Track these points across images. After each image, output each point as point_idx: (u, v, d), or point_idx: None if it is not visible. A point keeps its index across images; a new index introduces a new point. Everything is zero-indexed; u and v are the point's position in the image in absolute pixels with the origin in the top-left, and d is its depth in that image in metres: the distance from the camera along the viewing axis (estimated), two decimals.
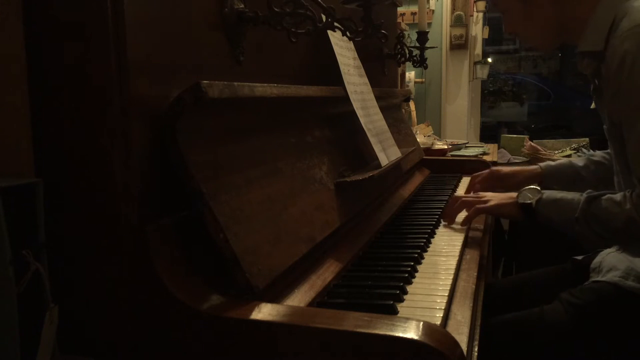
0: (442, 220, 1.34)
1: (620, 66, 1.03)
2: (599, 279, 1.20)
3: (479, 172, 1.59)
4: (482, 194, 1.33)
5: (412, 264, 0.99)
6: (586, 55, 1.19)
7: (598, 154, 1.50)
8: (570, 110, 8.48)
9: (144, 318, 0.68)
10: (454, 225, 1.30)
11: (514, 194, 1.26)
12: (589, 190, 1.14)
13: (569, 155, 2.69)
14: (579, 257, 1.37)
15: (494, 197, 1.29)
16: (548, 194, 1.20)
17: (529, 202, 1.20)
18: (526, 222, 1.23)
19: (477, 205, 1.26)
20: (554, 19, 1.20)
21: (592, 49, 1.14)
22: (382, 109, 1.49)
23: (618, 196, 1.08)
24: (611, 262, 1.21)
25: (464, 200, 1.31)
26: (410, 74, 3.99)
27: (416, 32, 1.95)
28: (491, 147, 3.14)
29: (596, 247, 1.14)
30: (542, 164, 1.56)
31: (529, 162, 2.66)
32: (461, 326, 0.79)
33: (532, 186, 1.26)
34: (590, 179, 1.46)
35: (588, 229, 1.10)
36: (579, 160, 1.52)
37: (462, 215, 1.31)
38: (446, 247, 1.14)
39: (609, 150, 1.49)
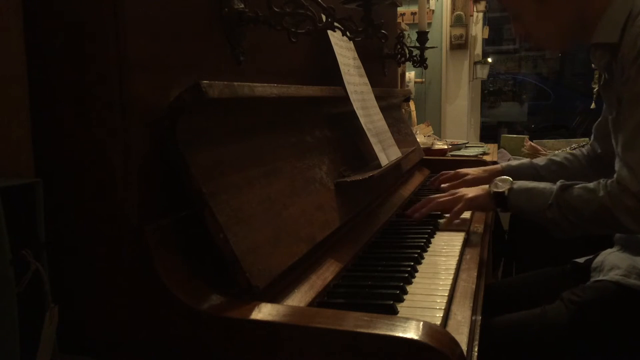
0: (409, 216, 1.34)
1: (638, 54, 1.04)
2: (600, 278, 1.20)
3: (446, 171, 1.62)
4: (454, 190, 1.35)
5: (412, 264, 0.99)
6: (599, 47, 1.18)
7: (560, 155, 1.52)
8: (570, 110, 8.49)
9: (144, 318, 0.68)
10: (452, 224, 1.30)
11: (486, 186, 1.28)
12: (562, 180, 1.16)
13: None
14: (581, 260, 1.37)
15: (467, 191, 1.31)
16: (520, 183, 1.23)
17: (501, 190, 1.23)
18: (499, 210, 1.25)
19: (454, 209, 1.28)
20: (570, 17, 1.18)
21: (607, 40, 1.13)
22: (382, 109, 1.49)
23: (592, 184, 1.10)
24: (613, 262, 1.21)
25: (438, 202, 1.32)
26: (410, 74, 3.99)
27: (416, 32, 1.95)
28: (491, 147, 3.13)
29: (569, 235, 1.15)
30: (503, 164, 1.59)
31: None
32: (461, 326, 0.79)
33: (504, 177, 1.28)
34: (549, 179, 1.47)
35: (560, 215, 1.12)
36: (540, 160, 1.54)
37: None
38: (446, 247, 1.14)
39: (573, 151, 1.51)
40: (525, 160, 1.61)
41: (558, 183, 1.15)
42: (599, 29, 1.14)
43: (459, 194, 1.31)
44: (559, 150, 2.90)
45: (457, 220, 1.29)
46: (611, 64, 1.16)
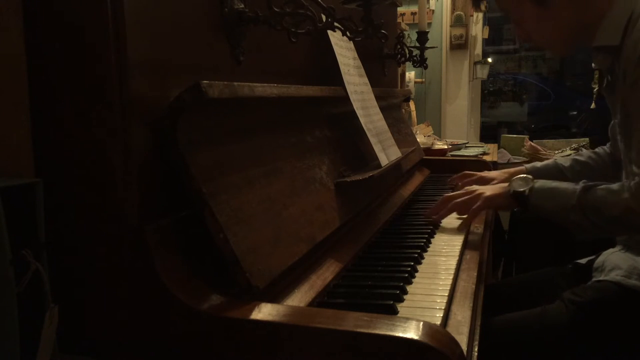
0: (428, 217, 1.32)
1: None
2: (601, 278, 1.19)
3: (470, 172, 1.60)
4: (471, 188, 1.32)
5: (412, 264, 0.99)
6: (601, 50, 1.18)
7: (585, 154, 1.51)
8: (570, 110, 8.48)
9: (144, 318, 0.68)
10: (452, 224, 1.30)
11: (505, 184, 1.25)
12: (584, 180, 1.14)
13: (568, 155, 2.70)
14: (583, 261, 1.36)
15: (485, 189, 1.28)
16: (541, 182, 1.20)
17: (521, 190, 1.19)
18: (520, 211, 1.22)
19: (473, 208, 1.25)
20: (571, 21, 1.18)
21: (609, 43, 1.13)
22: (382, 109, 1.49)
23: (615, 185, 1.08)
24: (614, 262, 1.21)
25: (457, 202, 1.28)
26: (410, 74, 3.99)
27: (416, 32, 1.95)
28: (491, 147, 3.14)
29: (590, 237, 1.13)
30: (527, 165, 1.57)
31: (528, 162, 2.66)
32: (461, 326, 0.79)
33: (523, 175, 1.25)
34: (575, 180, 1.46)
35: (584, 217, 1.10)
36: (564, 161, 1.52)
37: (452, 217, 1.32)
38: (446, 247, 1.14)
39: (597, 150, 1.50)
40: (550, 161, 1.59)
41: (581, 183, 1.12)
42: (601, 31, 1.14)
43: (477, 192, 1.27)
44: (559, 150, 2.90)
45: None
46: (614, 67, 1.16)
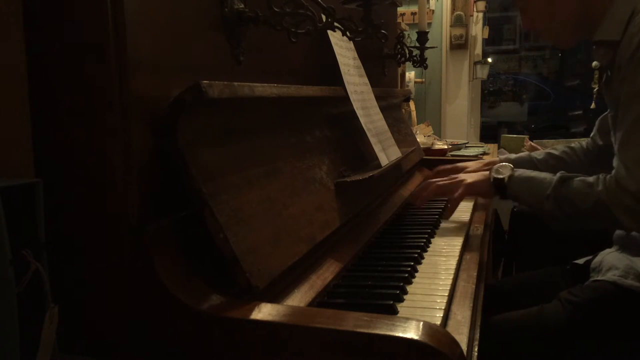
0: (411, 201, 1.36)
1: (634, 53, 1.04)
2: (598, 278, 1.20)
3: (444, 165, 1.62)
4: (454, 175, 1.35)
5: (412, 264, 0.99)
6: (602, 44, 1.19)
7: (559, 149, 1.53)
8: (570, 110, 8.50)
9: (143, 318, 0.68)
10: (452, 224, 1.30)
11: (487, 172, 1.27)
12: (562, 171, 1.15)
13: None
14: (580, 262, 1.37)
15: (467, 177, 1.31)
16: (521, 171, 1.22)
17: (501, 177, 1.22)
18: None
19: (454, 196, 1.28)
20: (576, 12, 1.19)
21: (610, 38, 1.14)
22: (382, 109, 1.49)
23: (591, 178, 1.09)
24: (611, 262, 1.21)
25: (438, 185, 1.31)
26: (410, 74, 3.99)
27: (416, 32, 1.95)
28: (491, 147, 3.14)
29: (563, 227, 1.15)
30: (501, 157, 1.59)
31: None
32: (461, 326, 0.79)
33: (504, 163, 1.27)
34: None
35: (557, 207, 1.11)
36: (538, 154, 1.54)
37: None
38: (446, 247, 1.14)
39: (572, 145, 1.52)
40: (524, 153, 1.61)
41: (558, 174, 1.14)
42: (603, 25, 1.15)
43: (458, 179, 1.30)
44: None
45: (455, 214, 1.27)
46: (614, 62, 1.16)
